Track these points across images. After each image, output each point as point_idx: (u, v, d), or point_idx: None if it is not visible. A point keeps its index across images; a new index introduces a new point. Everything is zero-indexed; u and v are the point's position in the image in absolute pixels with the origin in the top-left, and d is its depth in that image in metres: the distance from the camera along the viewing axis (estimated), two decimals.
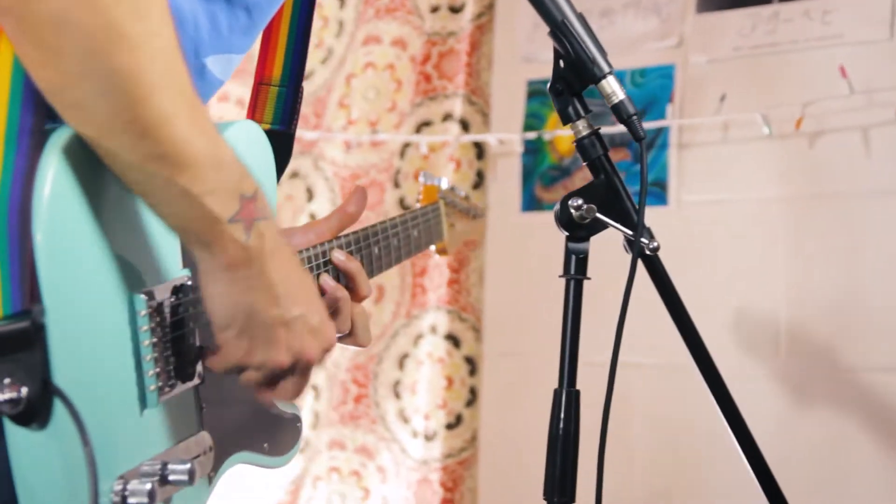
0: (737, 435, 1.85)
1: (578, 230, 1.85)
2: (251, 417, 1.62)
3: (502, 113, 3.72)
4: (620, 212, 1.85)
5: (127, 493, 1.31)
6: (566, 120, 1.87)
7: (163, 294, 1.40)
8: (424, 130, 3.81)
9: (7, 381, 1.18)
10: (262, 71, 1.80)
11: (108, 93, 1.19)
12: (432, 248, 2.31)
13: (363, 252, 1.92)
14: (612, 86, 1.83)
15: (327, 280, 1.77)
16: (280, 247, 1.39)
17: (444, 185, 2.36)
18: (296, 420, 1.77)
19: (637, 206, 1.84)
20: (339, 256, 1.82)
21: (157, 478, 1.36)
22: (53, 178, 1.22)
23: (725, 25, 3.33)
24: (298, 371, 1.43)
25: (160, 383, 1.38)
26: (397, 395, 3.82)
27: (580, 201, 1.83)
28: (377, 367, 3.85)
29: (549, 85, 1.86)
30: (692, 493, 3.35)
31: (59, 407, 1.21)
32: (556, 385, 1.80)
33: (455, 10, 3.80)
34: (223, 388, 1.51)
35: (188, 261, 1.44)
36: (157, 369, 1.38)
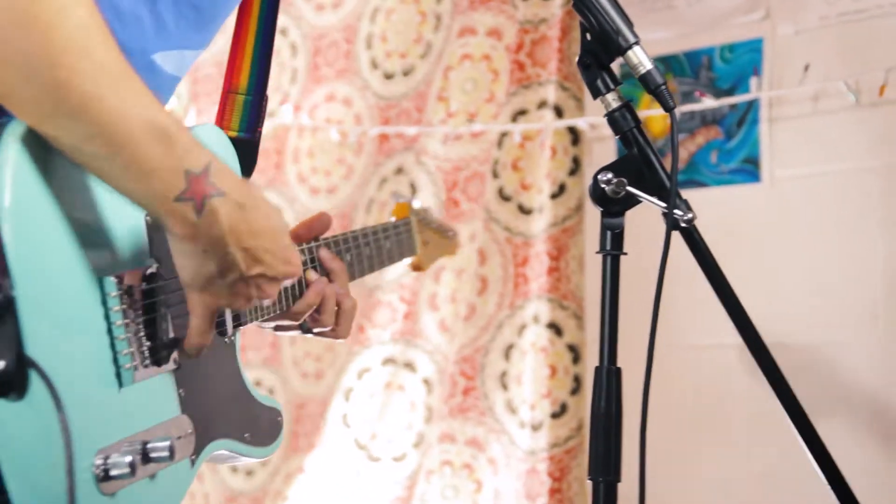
0: (789, 412, 1.78)
1: (612, 205, 1.81)
2: (231, 406, 1.69)
3: None
4: (655, 184, 1.81)
5: (108, 465, 1.36)
6: (596, 93, 1.84)
7: (133, 279, 1.45)
8: (520, 119, 3.79)
9: None
10: (229, 79, 1.83)
11: (29, 78, 1.21)
12: (407, 261, 2.38)
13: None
14: (638, 56, 1.78)
15: (314, 273, 1.86)
16: (241, 220, 1.42)
17: (416, 204, 2.46)
18: (275, 413, 1.83)
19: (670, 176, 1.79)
20: (325, 254, 1.92)
21: (138, 454, 1.41)
22: (14, 159, 1.26)
23: None
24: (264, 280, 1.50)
25: (134, 362, 1.44)
26: (504, 386, 3.81)
27: (610, 175, 1.80)
28: (484, 358, 3.84)
29: (577, 59, 1.83)
30: (795, 473, 3.26)
31: (34, 377, 1.25)
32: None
33: None
34: (201, 375, 1.58)
35: (155, 250, 1.50)
36: (132, 349, 1.43)
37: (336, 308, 1.89)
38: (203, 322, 1.50)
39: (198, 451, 1.60)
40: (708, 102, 3.36)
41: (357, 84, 4.20)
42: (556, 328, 3.72)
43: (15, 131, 1.28)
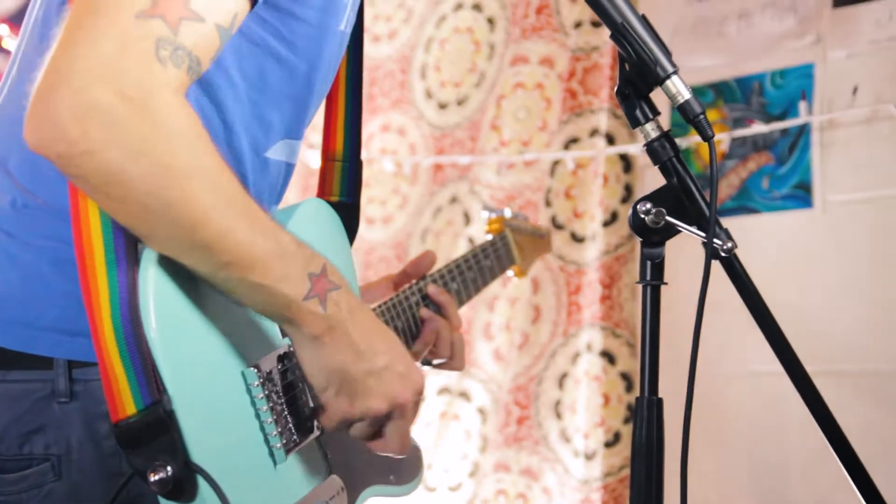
0: (829, 438, 1.76)
1: (652, 235, 1.81)
2: (375, 456, 1.72)
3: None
4: (695, 213, 1.80)
5: None
6: (634, 123, 1.83)
7: (270, 364, 1.57)
8: (572, 147, 3.79)
9: (156, 464, 1.36)
10: (326, 146, 1.97)
11: (170, 223, 1.34)
12: (510, 273, 2.46)
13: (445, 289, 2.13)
14: (676, 86, 1.78)
15: (426, 311, 2.00)
16: (356, 309, 1.54)
17: (508, 213, 2.50)
18: (415, 449, 1.94)
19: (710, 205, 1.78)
20: (433, 290, 2.05)
21: None
22: (154, 285, 1.41)
23: (861, 18, 3.21)
24: (396, 415, 1.57)
25: (284, 440, 1.56)
26: (558, 415, 3.79)
27: (649, 205, 1.79)
28: (538, 387, 3.83)
29: (615, 89, 1.83)
30: (853, 500, 3.21)
31: (201, 482, 1.38)
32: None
33: (597, 24, 3.77)
34: (344, 435, 1.63)
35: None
36: (279, 429, 1.55)
37: (450, 339, 2.01)
38: (335, 426, 1.58)
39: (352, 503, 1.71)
40: (759, 128, 3.34)
41: (412, 114, 4.22)
42: (609, 356, 3.70)
43: (150, 256, 1.42)
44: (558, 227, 3.80)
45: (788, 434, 3.31)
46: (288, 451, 1.56)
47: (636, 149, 3.66)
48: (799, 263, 3.23)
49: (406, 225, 4.22)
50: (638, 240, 3.47)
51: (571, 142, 3.80)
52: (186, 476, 1.37)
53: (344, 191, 1.97)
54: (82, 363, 1.48)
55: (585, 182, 3.75)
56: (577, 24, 3.82)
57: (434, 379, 4.03)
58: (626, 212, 3.69)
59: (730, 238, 1.78)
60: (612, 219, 3.71)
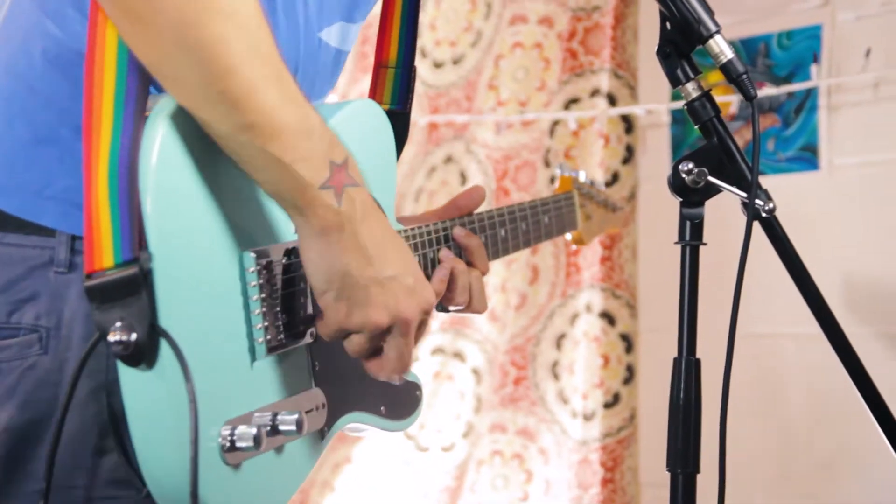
0: (867, 400, 1.77)
1: (692, 195, 1.80)
2: (367, 379, 1.62)
3: (649, 85, 3.66)
4: (735, 174, 1.79)
5: (235, 436, 1.37)
6: (675, 82, 1.82)
7: (274, 254, 1.47)
8: (572, 107, 3.78)
9: (118, 324, 1.26)
10: (379, 54, 1.88)
11: (199, 63, 1.26)
12: (568, 236, 2.34)
13: (487, 233, 1.98)
14: (719, 45, 1.76)
15: (446, 252, 1.84)
16: (371, 211, 1.43)
17: (582, 177, 2.39)
18: (414, 387, 1.81)
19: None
20: (458, 232, 1.89)
21: (266, 426, 1.42)
22: (162, 137, 1.30)
23: None
24: (398, 332, 1.45)
25: (268, 337, 1.45)
26: (556, 376, 3.80)
27: (691, 165, 1.78)
28: (535, 348, 3.83)
29: (656, 48, 1.81)
30: (855, 464, 3.24)
31: (164, 348, 1.28)
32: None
33: None
34: (338, 348, 1.53)
35: None
36: (266, 323, 1.45)
37: (468, 284, 1.86)
38: (332, 333, 1.47)
39: (329, 423, 1.59)
40: (767, 90, 3.34)
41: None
42: (608, 318, 3.71)
43: (165, 109, 1.31)
44: None
45: (818, 395, 3.34)
46: (270, 350, 1.46)
47: (639, 109, 3.65)
48: (805, 225, 3.24)
49: (399, 185, 4.19)
50: (640, 201, 3.47)
51: (571, 102, 3.79)
52: (150, 341, 1.28)
53: (395, 98, 1.89)
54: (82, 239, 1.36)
55: (586, 143, 3.73)
56: None
57: (428, 339, 4.03)
58: (627, 173, 3.68)
59: (770, 199, 1.77)
60: (613, 179, 3.70)
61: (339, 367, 1.62)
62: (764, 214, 1.76)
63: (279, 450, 1.47)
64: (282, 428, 1.43)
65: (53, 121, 1.41)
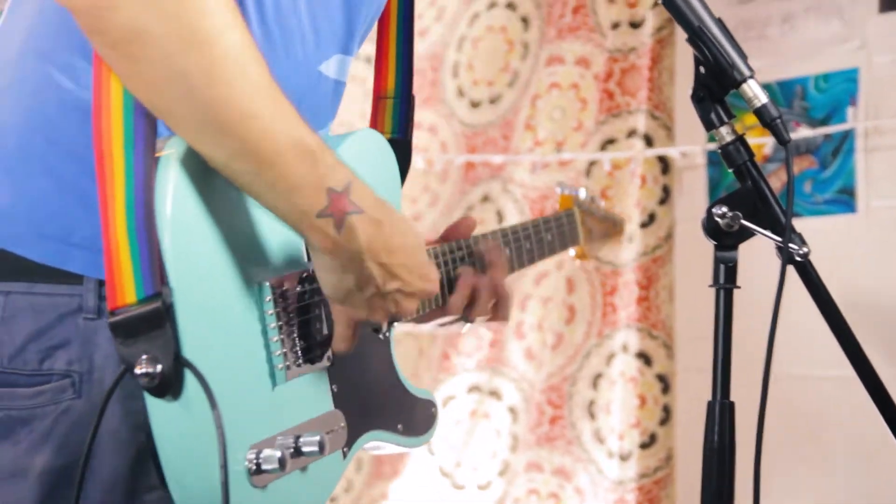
0: None
1: (726, 238, 1.81)
2: (384, 399, 1.73)
3: (686, 126, 3.67)
4: (769, 218, 1.80)
5: (260, 460, 1.43)
6: (709, 126, 1.83)
7: (289, 283, 1.53)
8: (609, 148, 3.79)
9: (144, 357, 1.30)
10: (378, 85, 1.94)
11: (187, 95, 1.28)
12: (571, 252, 2.41)
13: None
14: (753, 90, 1.77)
15: (465, 269, 1.91)
16: (377, 237, 1.45)
17: (583, 195, 2.44)
18: (430, 404, 1.88)
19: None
20: (483, 247, 1.98)
21: (289, 448, 1.47)
22: (175, 173, 1.35)
23: None
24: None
25: (287, 362, 1.51)
26: (592, 416, 3.79)
27: (724, 209, 1.79)
28: (571, 387, 3.83)
29: (690, 92, 1.82)
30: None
31: (189, 378, 1.33)
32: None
33: (635, 25, 3.77)
34: (355, 371, 1.63)
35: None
36: (284, 350, 1.51)
37: (493, 297, 1.92)
38: (345, 330, 1.58)
39: (350, 443, 1.65)
40: (804, 132, 3.34)
41: (443, 112, 4.22)
42: (645, 358, 3.70)
43: (176, 146, 1.35)
44: None
45: (856, 437, 3.32)
46: (289, 373, 1.52)
47: (674, 151, 3.66)
48: (842, 267, 3.23)
49: (436, 223, 4.22)
50: (676, 241, 3.48)
51: (608, 142, 3.80)
52: (175, 372, 1.32)
53: (396, 128, 1.93)
54: None
55: (622, 183, 3.74)
56: (615, 25, 3.82)
57: (464, 377, 4.03)
58: (663, 213, 3.69)
59: (804, 243, 1.77)
60: (649, 220, 3.71)
61: (358, 389, 1.69)
62: (798, 258, 1.76)
63: (303, 470, 1.53)
64: (305, 449, 1.49)
65: (74, 170, 1.43)
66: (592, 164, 3.81)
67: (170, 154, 1.36)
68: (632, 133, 3.75)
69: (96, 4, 1.24)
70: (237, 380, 1.43)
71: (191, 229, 1.38)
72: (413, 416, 1.84)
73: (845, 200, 3.32)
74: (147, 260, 1.32)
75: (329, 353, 1.60)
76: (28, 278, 1.44)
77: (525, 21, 4.05)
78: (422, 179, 4.22)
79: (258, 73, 1.32)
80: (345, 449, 1.64)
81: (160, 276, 1.33)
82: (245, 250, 1.45)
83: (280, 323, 1.50)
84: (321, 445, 1.49)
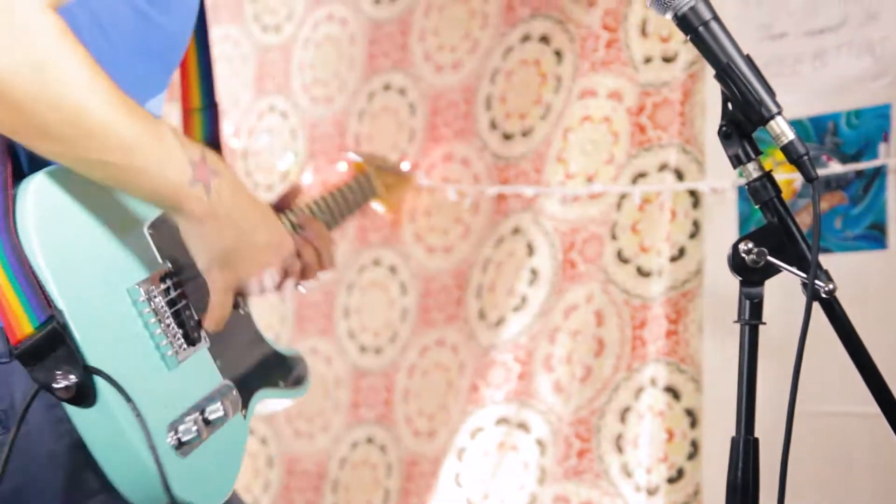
0: None
1: (752, 274, 1.82)
2: (260, 363, 2.07)
3: (716, 161, 3.67)
4: (796, 254, 1.81)
5: (180, 434, 1.67)
6: (737, 163, 1.85)
7: (154, 282, 1.75)
8: (640, 181, 3.79)
9: (58, 374, 1.49)
10: (185, 100, 2.12)
11: (50, 110, 1.45)
12: (375, 206, 3.05)
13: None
14: (780, 126, 1.79)
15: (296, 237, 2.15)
16: (239, 192, 1.71)
17: (364, 156, 3.08)
18: (300, 360, 2.23)
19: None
20: (302, 218, 2.26)
21: (200, 420, 1.73)
22: (33, 206, 1.53)
23: None
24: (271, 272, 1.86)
25: (174, 349, 1.76)
26: (620, 449, 3.78)
27: (751, 244, 1.80)
28: (599, 420, 3.82)
29: (718, 128, 1.84)
30: None
31: (100, 383, 1.53)
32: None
33: (668, 59, 3.78)
34: (231, 345, 1.93)
35: (164, 253, 1.78)
36: (168, 339, 1.75)
37: (315, 252, 2.16)
38: (222, 296, 1.80)
39: (245, 405, 1.93)
40: (835, 167, 3.33)
41: (475, 144, 4.24)
42: (673, 392, 3.70)
43: (30, 179, 1.56)
44: (624, 260, 3.80)
45: (885, 475, 3.30)
46: (180, 359, 1.76)
47: (703, 186, 3.66)
48: (873, 304, 3.22)
49: (468, 255, 4.23)
50: (706, 276, 3.47)
51: (639, 176, 3.80)
52: (87, 381, 1.50)
53: (206, 136, 2.10)
54: None
55: (652, 217, 3.75)
56: (648, 60, 3.83)
57: (492, 409, 4.04)
58: (693, 248, 3.69)
59: (830, 279, 1.78)
60: (679, 254, 3.71)
61: (237, 359, 1.98)
62: (824, 295, 1.77)
63: (215, 435, 1.78)
64: (212, 417, 1.76)
65: None
66: (623, 197, 3.81)
67: (26, 188, 1.52)
68: (663, 167, 3.75)
69: None
70: (138, 373, 1.64)
71: (60, 252, 1.55)
72: (289, 373, 2.15)
73: (876, 236, 3.31)
74: (30, 292, 1.48)
75: (203, 333, 1.85)
76: None
77: (558, 54, 4.07)
78: (453, 211, 4.24)
79: (104, 79, 1.49)
80: (243, 411, 1.91)
81: (47, 302, 1.50)
82: (110, 261, 1.66)
83: (157, 318, 1.72)
84: (224, 411, 1.78)
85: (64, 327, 1.50)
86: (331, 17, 4.66)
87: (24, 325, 1.48)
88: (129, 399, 1.53)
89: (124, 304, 1.67)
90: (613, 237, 3.84)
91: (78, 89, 1.45)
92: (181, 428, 1.67)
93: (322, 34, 4.68)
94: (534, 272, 4.00)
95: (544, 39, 4.11)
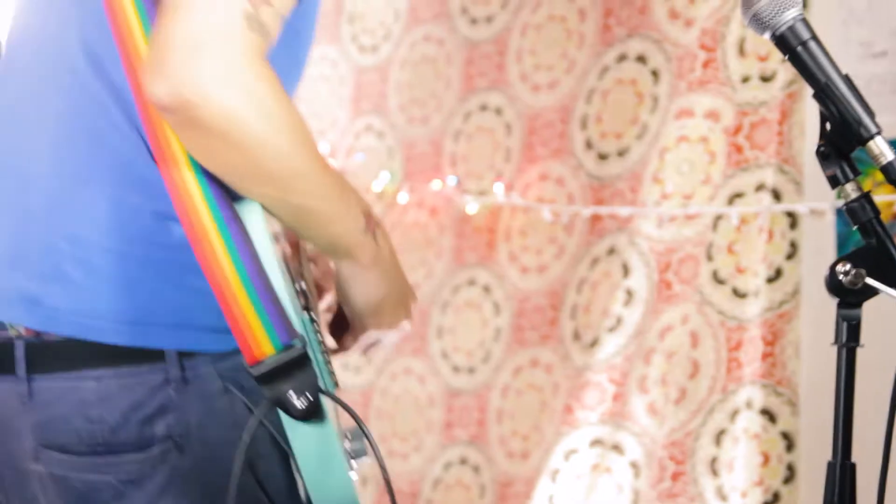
0: None
1: (849, 296, 1.80)
2: None
3: (814, 181, 3.62)
4: (894, 276, 1.78)
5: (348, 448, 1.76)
6: (834, 184, 1.83)
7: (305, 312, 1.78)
8: (737, 202, 3.76)
9: (291, 392, 1.55)
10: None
11: (274, 170, 1.54)
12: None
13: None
14: (879, 147, 1.77)
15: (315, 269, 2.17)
16: (391, 247, 1.79)
17: None
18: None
19: None
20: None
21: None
22: (262, 225, 1.59)
23: None
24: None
25: (330, 371, 1.85)
26: (715, 473, 3.75)
27: (848, 266, 1.78)
28: (694, 443, 3.79)
29: (815, 148, 1.82)
30: None
31: (323, 401, 1.59)
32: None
33: (766, 79, 3.74)
34: None
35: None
36: (327, 362, 1.84)
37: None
38: (352, 344, 1.89)
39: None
40: None
41: (571, 164, 4.23)
42: (769, 415, 3.65)
43: (250, 210, 1.61)
44: (720, 281, 3.77)
45: None
46: (335, 382, 1.86)
47: (801, 207, 3.61)
48: None
49: (562, 275, 4.22)
50: (803, 298, 3.43)
51: (736, 196, 3.77)
52: (318, 401, 1.56)
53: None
54: (188, 353, 1.63)
55: (749, 237, 3.71)
56: (745, 79, 3.79)
57: (586, 430, 4.02)
58: (791, 269, 3.64)
59: None
60: (776, 275, 3.67)
61: None
62: None
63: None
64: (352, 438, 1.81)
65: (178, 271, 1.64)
66: (719, 217, 3.78)
67: (245, 205, 1.58)
68: (760, 187, 3.71)
69: (187, 102, 1.43)
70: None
71: (282, 282, 1.60)
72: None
73: None
74: (275, 312, 1.54)
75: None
76: (112, 362, 1.62)
77: (655, 74, 4.05)
78: (548, 231, 4.24)
79: (306, 127, 1.56)
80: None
81: (288, 327, 1.55)
82: (289, 286, 1.68)
83: (319, 342, 1.80)
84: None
85: (305, 353, 1.57)
86: (427, 37, 4.69)
87: (265, 346, 1.54)
88: (358, 420, 1.64)
89: (308, 329, 1.71)
90: (709, 258, 3.81)
91: (292, 137, 1.52)
92: (352, 447, 1.77)
93: (419, 54, 4.71)
94: (629, 293, 3.98)
95: (641, 59, 4.10)
